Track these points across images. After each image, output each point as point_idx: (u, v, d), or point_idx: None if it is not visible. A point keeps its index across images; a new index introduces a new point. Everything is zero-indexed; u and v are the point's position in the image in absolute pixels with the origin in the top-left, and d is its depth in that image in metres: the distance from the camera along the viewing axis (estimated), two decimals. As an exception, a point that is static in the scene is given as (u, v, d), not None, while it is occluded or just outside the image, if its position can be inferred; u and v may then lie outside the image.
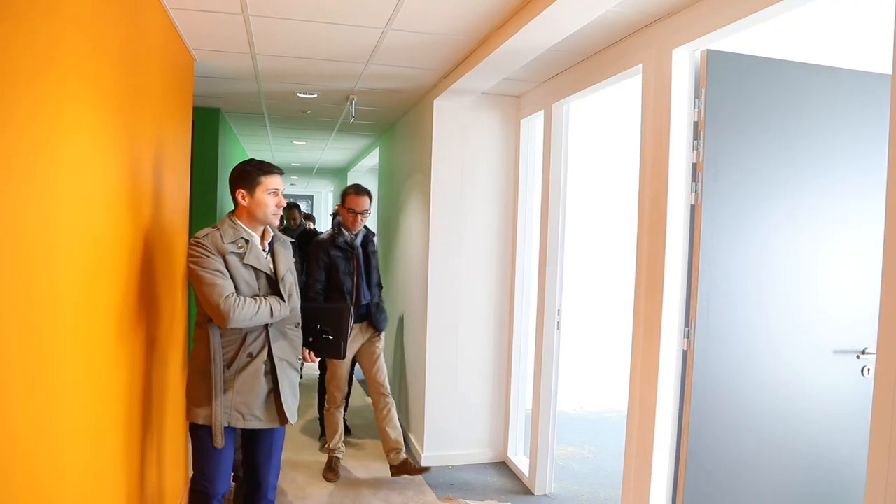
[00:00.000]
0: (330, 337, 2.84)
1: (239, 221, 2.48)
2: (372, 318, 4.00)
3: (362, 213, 3.93)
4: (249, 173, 2.46)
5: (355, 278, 3.88)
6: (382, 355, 4.09)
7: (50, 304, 1.58)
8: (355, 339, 3.96)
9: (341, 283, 3.84)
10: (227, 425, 2.40)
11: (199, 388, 2.41)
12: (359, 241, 3.93)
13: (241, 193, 2.46)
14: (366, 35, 3.16)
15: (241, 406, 2.40)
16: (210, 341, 2.38)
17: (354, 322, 3.85)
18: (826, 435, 2.70)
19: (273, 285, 2.47)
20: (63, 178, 1.63)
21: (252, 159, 2.52)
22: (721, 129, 2.56)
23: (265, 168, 2.48)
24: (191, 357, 2.49)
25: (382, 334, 4.09)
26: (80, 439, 1.83)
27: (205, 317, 2.40)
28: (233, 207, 2.54)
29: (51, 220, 1.57)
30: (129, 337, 2.31)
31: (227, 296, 2.31)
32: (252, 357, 2.41)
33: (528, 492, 3.97)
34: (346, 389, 4.13)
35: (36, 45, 1.45)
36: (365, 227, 4.02)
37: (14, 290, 1.39)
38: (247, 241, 2.43)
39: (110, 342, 2.09)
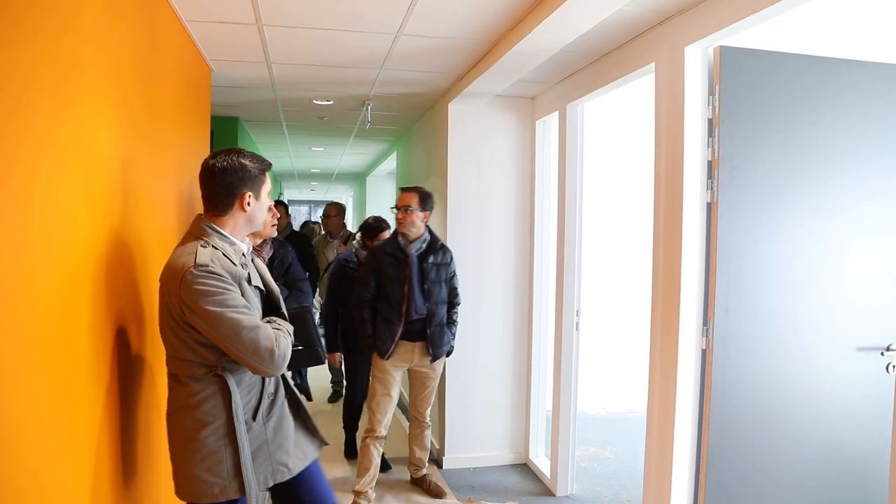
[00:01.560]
0: (299, 347, 2.28)
1: (226, 232, 1.93)
2: (429, 339, 3.55)
3: (402, 209, 3.52)
4: (252, 170, 1.94)
5: (406, 287, 3.48)
6: (435, 386, 3.74)
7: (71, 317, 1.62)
8: (403, 356, 3.57)
9: (390, 291, 3.49)
10: (269, 485, 1.94)
11: (228, 457, 1.86)
12: (414, 249, 3.52)
13: (248, 196, 1.93)
14: (378, 41, 3.19)
15: (281, 455, 1.96)
16: (231, 395, 1.85)
17: (405, 338, 3.53)
18: (850, 432, 2.66)
19: (266, 303, 2.04)
20: (85, 192, 1.68)
21: (241, 149, 1.98)
22: (737, 125, 2.54)
23: (265, 163, 2.00)
24: (193, 422, 1.85)
25: (441, 362, 3.69)
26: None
27: (209, 367, 1.85)
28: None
29: (75, 231, 1.61)
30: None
31: (277, 336, 1.84)
32: (273, 396, 1.98)
33: (549, 493, 3.96)
34: (389, 414, 3.59)
35: (54, 60, 1.49)
36: (431, 238, 3.60)
37: (52, 300, 1.42)
38: (244, 256, 1.96)
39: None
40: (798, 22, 2.85)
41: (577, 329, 3.85)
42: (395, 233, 3.60)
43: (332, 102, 4.75)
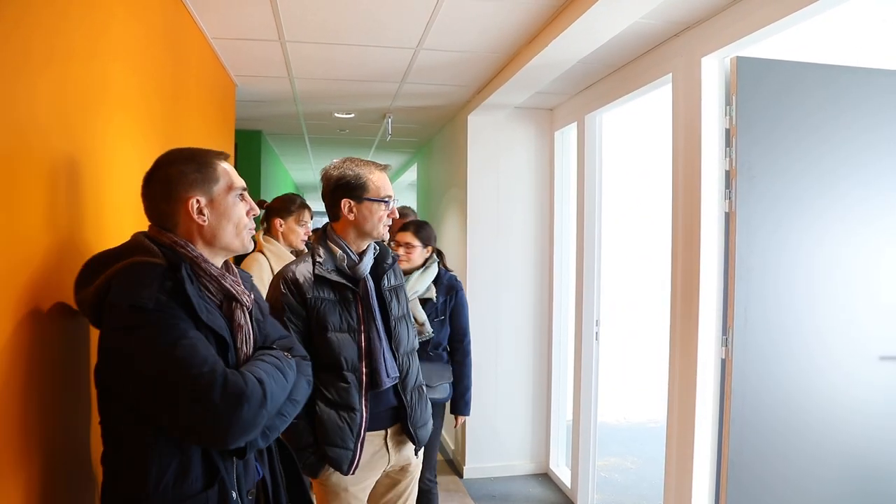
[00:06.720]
0: None
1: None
2: (409, 414, 2.04)
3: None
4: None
5: (363, 338, 1.96)
6: (415, 489, 2.19)
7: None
8: (373, 460, 2.03)
9: (336, 351, 1.93)
10: None
11: None
12: (364, 265, 2.01)
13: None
14: (398, 55, 3.24)
15: None
16: None
17: (372, 428, 1.99)
18: (873, 442, 2.63)
19: None
20: (116, 205, 1.74)
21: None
22: (755, 135, 2.54)
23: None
24: None
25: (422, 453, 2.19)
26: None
27: None
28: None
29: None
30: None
31: None
32: None
33: (570, 503, 3.95)
34: None
35: (84, 81, 1.56)
36: (378, 243, 2.10)
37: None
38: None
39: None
40: (817, 32, 2.85)
41: (596, 339, 3.85)
42: (322, 244, 2.04)
43: (353, 115, 4.82)
